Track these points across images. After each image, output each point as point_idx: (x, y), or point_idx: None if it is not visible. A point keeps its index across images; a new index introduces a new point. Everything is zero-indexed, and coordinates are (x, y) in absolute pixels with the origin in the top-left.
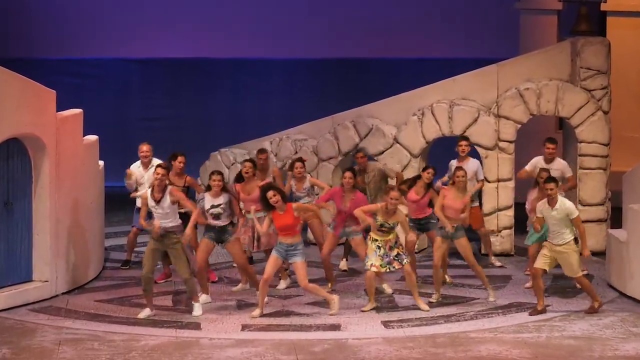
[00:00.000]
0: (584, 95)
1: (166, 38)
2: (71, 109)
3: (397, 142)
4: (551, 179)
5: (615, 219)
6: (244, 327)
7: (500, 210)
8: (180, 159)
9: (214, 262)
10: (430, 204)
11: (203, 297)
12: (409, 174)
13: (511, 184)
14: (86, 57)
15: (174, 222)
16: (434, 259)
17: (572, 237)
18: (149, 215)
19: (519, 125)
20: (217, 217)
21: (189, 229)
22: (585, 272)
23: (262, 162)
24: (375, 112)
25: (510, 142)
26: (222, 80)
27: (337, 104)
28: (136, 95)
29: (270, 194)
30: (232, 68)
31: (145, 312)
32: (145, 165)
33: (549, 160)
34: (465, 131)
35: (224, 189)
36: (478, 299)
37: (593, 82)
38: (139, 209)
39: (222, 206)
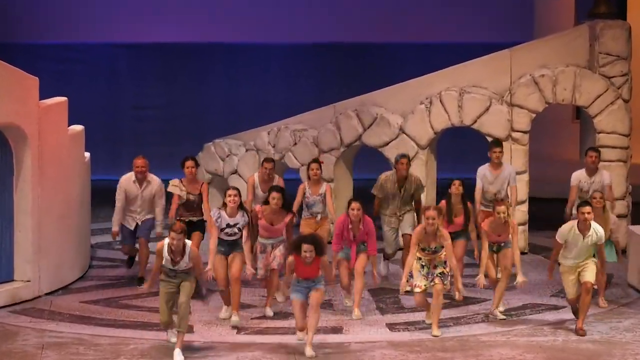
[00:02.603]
0: (602, 83)
1: (157, 21)
2: (55, 97)
3: (403, 133)
4: (587, 202)
5: (636, 214)
6: (240, 330)
7: None
8: (187, 164)
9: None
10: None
11: (225, 314)
12: (416, 167)
13: (525, 177)
14: (71, 42)
15: (189, 265)
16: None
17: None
18: None
19: (534, 115)
20: (231, 235)
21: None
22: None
23: (268, 172)
24: (380, 100)
25: (524, 132)
26: (216, 67)
27: (339, 91)
28: (125, 83)
29: (306, 247)
30: (227, 53)
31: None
32: (140, 182)
33: (592, 170)
34: (476, 121)
35: (241, 206)
36: (489, 300)
37: (612, 69)
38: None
39: (238, 226)
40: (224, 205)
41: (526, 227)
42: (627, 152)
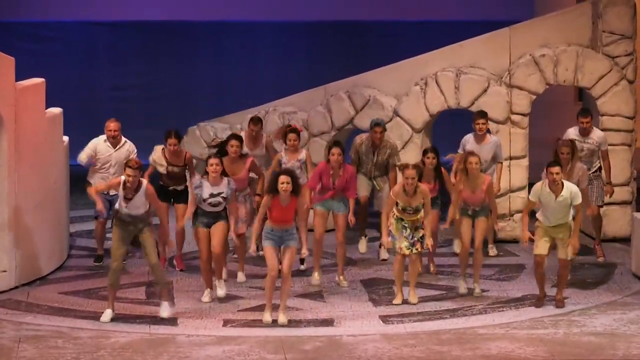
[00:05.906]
0: (606, 63)
1: None
2: (32, 78)
3: (397, 116)
4: (556, 162)
5: None
6: (226, 323)
7: (512, 191)
8: (170, 142)
9: (191, 249)
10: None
11: (207, 298)
12: (410, 152)
13: (525, 162)
14: (49, 20)
15: (143, 209)
16: (476, 241)
17: (572, 215)
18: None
19: (534, 96)
20: (215, 206)
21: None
22: (601, 260)
23: (255, 134)
24: (372, 81)
25: (524, 115)
26: (202, 46)
27: (330, 72)
28: (105, 63)
29: (283, 178)
30: (214, 32)
31: (107, 315)
32: (113, 145)
33: (585, 132)
34: (474, 103)
35: (224, 173)
36: (487, 290)
37: (617, 48)
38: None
39: (222, 195)
40: (207, 174)
41: None
42: (632, 135)
